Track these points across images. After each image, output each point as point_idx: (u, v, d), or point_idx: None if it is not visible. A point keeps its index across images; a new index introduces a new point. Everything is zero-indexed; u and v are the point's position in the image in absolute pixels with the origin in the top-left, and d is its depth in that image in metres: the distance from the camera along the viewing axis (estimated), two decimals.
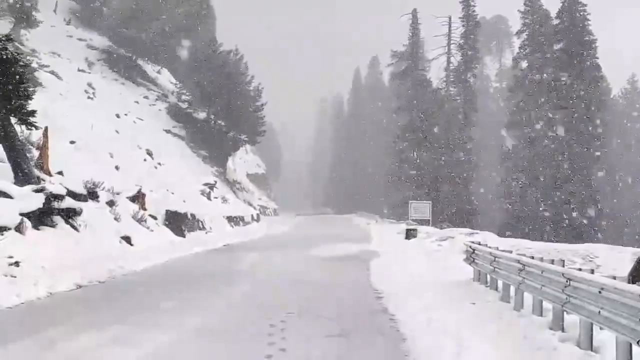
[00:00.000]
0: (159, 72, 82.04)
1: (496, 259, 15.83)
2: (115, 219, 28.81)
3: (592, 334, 9.82)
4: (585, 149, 59.20)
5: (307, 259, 27.66)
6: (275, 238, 44.37)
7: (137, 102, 64.14)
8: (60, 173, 27.12)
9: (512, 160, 63.81)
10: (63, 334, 11.19)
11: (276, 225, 60.52)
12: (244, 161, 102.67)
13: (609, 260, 26.41)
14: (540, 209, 58.48)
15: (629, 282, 14.58)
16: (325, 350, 10.41)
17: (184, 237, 36.12)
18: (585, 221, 57.17)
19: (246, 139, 77.27)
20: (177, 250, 28.54)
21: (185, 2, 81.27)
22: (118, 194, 32.00)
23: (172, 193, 42.81)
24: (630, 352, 8.39)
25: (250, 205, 72.71)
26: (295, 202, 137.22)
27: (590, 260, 25.87)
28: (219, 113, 71.40)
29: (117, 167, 38.80)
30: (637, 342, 7.79)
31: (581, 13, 62.29)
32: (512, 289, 14.36)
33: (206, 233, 40.77)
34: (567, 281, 10.56)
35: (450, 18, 70.89)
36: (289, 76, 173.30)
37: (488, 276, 17.15)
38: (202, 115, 72.65)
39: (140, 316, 13.20)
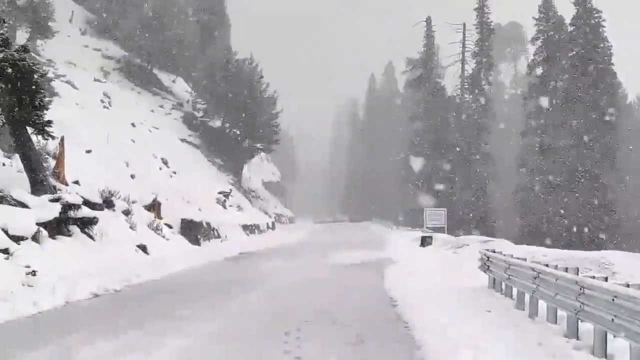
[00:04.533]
0: (174, 81, 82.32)
1: (510, 266, 15.84)
2: (131, 227, 28.94)
3: (606, 342, 9.82)
4: (602, 156, 58.91)
5: (322, 266, 27.72)
6: (291, 246, 44.41)
7: (152, 111, 64.36)
8: (76, 182, 27.27)
9: (528, 168, 63.63)
10: (80, 342, 11.29)
11: (292, 233, 60.50)
12: (260, 169, 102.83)
13: (625, 268, 26.26)
14: (557, 216, 58.23)
15: None
16: (341, 358, 10.45)
17: (200, 245, 36.22)
18: (602, 228, 56.89)
19: (261, 147, 77.35)
20: (192, 259, 28.59)
21: (200, 11, 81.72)
22: (134, 202, 32.15)
23: (188, 202, 42.96)
24: None
25: (266, 213, 72.79)
26: (312, 210, 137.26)
27: (606, 268, 25.73)
28: (234, 121, 71.56)
29: (132, 176, 38.95)
30: None
31: (596, 19, 62.11)
32: (527, 297, 14.37)
33: (221, 241, 40.86)
34: (580, 289, 10.57)
35: (464, 25, 70.95)
36: (304, 81, 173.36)
37: (503, 284, 17.17)
38: (217, 123, 72.88)
39: (156, 324, 13.28)
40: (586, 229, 56.34)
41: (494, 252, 19.50)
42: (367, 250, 36.26)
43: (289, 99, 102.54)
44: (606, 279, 11.15)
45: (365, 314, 15.03)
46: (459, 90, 71.88)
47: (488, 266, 18.80)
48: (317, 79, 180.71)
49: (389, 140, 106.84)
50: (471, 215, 63.71)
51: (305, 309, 15.40)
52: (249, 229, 52.22)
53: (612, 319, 9.11)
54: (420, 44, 76.88)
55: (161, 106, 69.42)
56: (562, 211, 58.03)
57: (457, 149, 67.56)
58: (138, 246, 27.35)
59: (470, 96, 70.32)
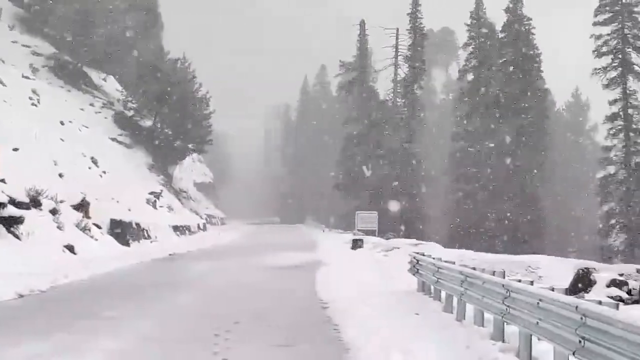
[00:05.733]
0: (104, 79, 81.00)
1: (439, 269, 16.02)
2: (59, 227, 28.46)
3: (531, 345, 9.98)
4: (531, 162, 60.11)
5: (252, 268, 27.63)
6: (222, 247, 44.19)
7: (82, 109, 63.28)
8: (2, 180, 26.68)
9: (458, 172, 64.54)
10: (4, 343, 11.04)
11: (223, 235, 60.26)
12: (191, 170, 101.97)
13: (551, 272, 26.81)
14: (486, 221, 59.17)
15: (569, 294, 14.86)
16: None
17: (129, 246, 35.81)
18: (530, 233, 58.05)
19: (193, 147, 76.83)
20: (121, 260, 28.23)
21: (132, 10, 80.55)
22: (62, 202, 31.59)
23: (117, 202, 42.36)
24: None
25: (197, 214, 72.30)
26: (244, 211, 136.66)
27: (533, 272, 26.24)
28: (166, 121, 70.86)
29: (61, 175, 38.23)
30: (574, 353, 7.94)
31: (526, 27, 63.43)
32: (455, 300, 14.54)
33: (151, 242, 40.47)
34: (507, 292, 10.73)
35: (397, 30, 71.44)
36: (238, 84, 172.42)
37: (432, 287, 17.34)
38: (148, 123, 71.97)
39: (83, 325, 13.07)
40: (514, 233, 57.40)
41: (424, 255, 19.71)
42: (299, 253, 36.21)
43: (223, 100, 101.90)
44: (532, 283, 11.36)
45: (296, 316, 15.06)
46: (392, 95, 72.44)
47: (417, 269, 18.98)
48: (252, 81, 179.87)
49: (320, 142, 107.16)
50: (402, 218, 64.22)
51: (235, 310, 15.33)
52: (180, 230, 51.79)
53: (537, 322, 9.26)
54: (354, 48, 77.33)
55: (91, 104, 68.29)
56: (491, 215, 58.96)
57: (389, 151, 68.05)
58: (65, 246, 26.92)
59: (403, 100, 70.90)
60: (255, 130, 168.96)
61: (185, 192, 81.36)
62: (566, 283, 23.64)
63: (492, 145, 61.47)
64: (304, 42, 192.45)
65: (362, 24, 76.68)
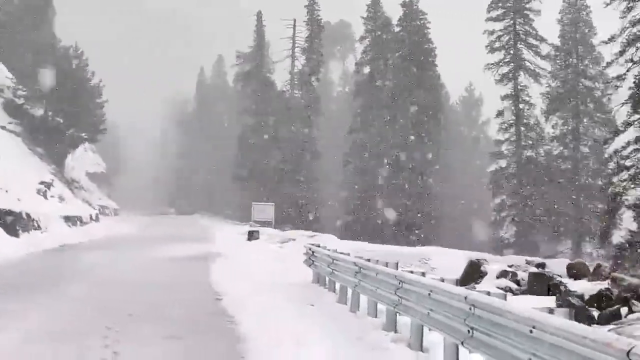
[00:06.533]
0: None
1: (334, 261, 16.11)
2: None
3: (422, 335, 10.13)
4: (424, 155, 61.15)
5: (146, 260, 27.18)
6: (115, 239, 43.38)
7: None
8: None
9: (353, 164, 65.06)
10: None
11: (117, 226, 59.15)
12: (84, 159, 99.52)
13: (445, 263, 27.44)
14: (381, 212, 59.89)
15: (460, 284, 15.21)
16: (161, 353, 10.33)
17: (18, 237, 34.66)
18: (425, 225, 59.11)
19: (86, 137, 75.06)
20: (9, 250, 27.38)
21: None
22: None
23: (6, 191, 41.00)
24: (457, 352, 8.69)
25: (90, 205, 70.71)
26: (139, 203, 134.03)
27: (426, 263, 26.81)
28: (57, 110, 69.00)
29: None
30: (462, 343, 8.08)
31: (421, 21, 64.42)
32: (350, 291, 14.64)
33: (42, 233, 39.30)
34: (399, 283, 10.87)
35: (295, 21, 71.53)
36: (135, 74, 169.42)
37: (327, 278, 17.41)
38: (39, 111, 69.89)
39: None
40: (411, 226, 58.35)
41: (319, 247, 19.79)
42: (194, 244, 35.83)
43: (119, 91, 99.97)
44: (424, 274, 11.55)
45: (190, 308, 14.89)
46: (289, 86, 72.54)
47: (313, 261, 19.05)
48: (148, 71, 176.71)
49: (218, 133, 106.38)
50: (299, 210, 64.44)
51: (128, 303, 15.01)
52: (72, 220, 50.55)
53: (428, 313, 9.40)
54: (251, 38, 77.08)
55: None
56: (386, 207, 59.70)
57: (286, 143, 68.12)
58: None
59: (300, 92, 71.08)
60: (152, 121, 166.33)
61: (77, 182, 79.42)
62: (459, 274, 24.29)
63: (387, 137, 62.20)
64: (203, 34, 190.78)
65: (259, 15, 76.45)
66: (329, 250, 17.81)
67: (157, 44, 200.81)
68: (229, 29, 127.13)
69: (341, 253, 16.73)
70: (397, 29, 65.24)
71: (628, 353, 4.85)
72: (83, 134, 73.52)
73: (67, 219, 49.28)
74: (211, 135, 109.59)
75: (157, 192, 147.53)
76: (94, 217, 61.27)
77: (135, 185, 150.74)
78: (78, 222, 52.36)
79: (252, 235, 41.20)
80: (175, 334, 11.69)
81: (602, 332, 5.84)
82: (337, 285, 16.07)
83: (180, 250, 31.87)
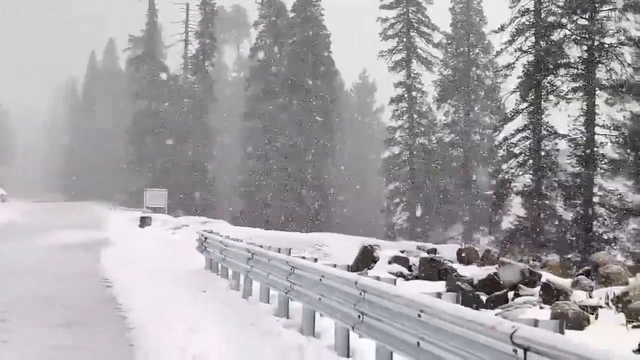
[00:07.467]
0: None
1: (227, 247, 16.05)
2: None
3: (314, 321, 10.15)
4: (319, 142, 61.34)
5: (33, 248, 26.40)
6: (0, 227, 42.00)
7: None
8: None
9: (248, 150, 64.78)
10: None
11: (2, 213, 57.26)
12: None
13: (338, 249, 27.68)
14: (276, 199, 59.88)
15: (353, 270, 15.31)
16: (49, 342, 10.07)
17: None
18: (319, 210, 59.44)
19: None
20: None
21: None
22: None
23: None
24: (348, 337, 8.74)
25: None
26: (28, 189, 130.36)
27: (319, 249, 26.96)
28: None
29: None
30: (353, 328, 8.13)
31: (315, 8, 64.50)
32: (242, 277, 14.60)
33: None
34: (291, 269, 10.88)
35: (188, 5, 70.67)
36: (25, 59, 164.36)
37: (219, 264, 17.31)
38: None
39: None
40: (304, 211, 58.55)
41: (212, 233, 19.66)
42: (84, 231, 34.97)
43: (7, 76, 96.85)
44: (316, 260, 11.59)
45: (79, 295, 14.64)
46: (182, 70, 71.73)
47: (205, 247, 18.91)
48: (38, 56, 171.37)
49: (108, 119, 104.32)
50: (192, 196, 63.86)
51: (15, 292, 14.56)
52: None
53: (320, 298, 9.43)
54: (144, 22, 75.77)
55: None
56: (281, 193, 59.71)
57: (179, 128, 67.37)
58: None
59: (194, 76, 70.32)
60: (41, 106, 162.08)
61: None
62: (352, 260, 24.52)
63: (282, 124, 62.14)
64: (96, 17, 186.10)
65: None
66: (221, 236, 17.71)
67: (47, 27, 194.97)
68: (121, 13, 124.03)
69: (234, 239, 16.63)
70: (291, 15, 65.16)
71: (511, 335, 4.95)
72: None
73: None
74: (102, 120, 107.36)
75: (48, 179, 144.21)
76: None
77: (26, 171, 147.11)
78: None
79: (144, 222, 40.66)
80: (63, 322, 11.50)
81: (487, 316, 5.96)
82: (230, 272, 15.99)
83: (68, 237, 31.06)
